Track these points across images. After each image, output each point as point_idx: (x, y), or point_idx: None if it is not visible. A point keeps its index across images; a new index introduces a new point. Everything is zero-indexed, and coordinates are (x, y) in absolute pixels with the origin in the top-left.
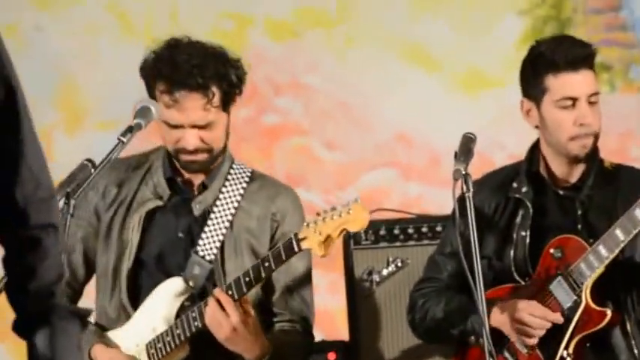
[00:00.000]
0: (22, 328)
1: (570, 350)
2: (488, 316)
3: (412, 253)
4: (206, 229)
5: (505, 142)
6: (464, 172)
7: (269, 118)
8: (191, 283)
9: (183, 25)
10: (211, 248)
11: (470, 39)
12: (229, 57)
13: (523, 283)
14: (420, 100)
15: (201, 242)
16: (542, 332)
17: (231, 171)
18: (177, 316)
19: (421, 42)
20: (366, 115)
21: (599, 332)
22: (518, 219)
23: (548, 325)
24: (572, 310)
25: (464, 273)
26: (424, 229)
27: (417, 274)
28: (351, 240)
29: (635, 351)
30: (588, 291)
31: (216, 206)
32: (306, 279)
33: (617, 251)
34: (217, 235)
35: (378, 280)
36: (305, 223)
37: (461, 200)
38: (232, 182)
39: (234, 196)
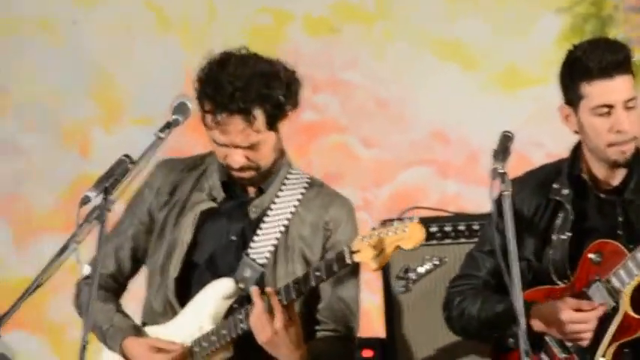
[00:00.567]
0: None
1: (607, 357)
2: (526, 317)
3: (449, 252)
4: (259, 232)
5: (543, 141)
6: (501, 171)
7: (306, 115)
8: (241, 285)
9: (221, 20)
10: (264, 252)
11: (508, 37)
12: (278, 75)
13: (561, 285)
14: (458, 97)
15: (253, 245)
16: (593, 326)
17: (289, 176)
18: (226, 317)
19: (459, 39)
20: (403, 112)
21: (639, 340)
22: (559, 221)
23: (595, 320)
24: (611, 316)
25: (501, 272)
26: (461, 228)
27: (453, 272)
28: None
29: None
30: (627, 298)
31: (271, 210)
32: (353, 288)
33: None
34: (271, 239)
35: (414, 278)
36: (360, 237)
37: (499, 199)
38: (289, 187)
39: (291, 201)
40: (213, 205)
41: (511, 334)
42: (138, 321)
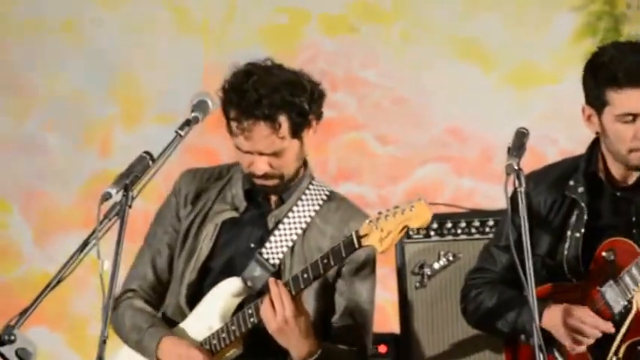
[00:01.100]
0: None
1: (620, 355)
2: (540, 314)
3: (464, 247)
4: (272, 237)
5: (557, 138)
6: (516, 167)
7: (324, 112)
8: (249, 283)
9: (239, 20)
10: (277, 253)
11: (523, 35)
12: (303, 84)
13: (575, 282)
14: (473, 95)
15: (267, 245)
16: (592, 340)
17: (310, 187)
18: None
19: (475, 38)
20: (419, 109)
21: None
22: (573, 219)
23: (599, 334)
24: (623, 315)
25: (516, 268)
26: (476, 224)
27: (468, 268)
28: None
29: None
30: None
31: (288, 217)
32: (368, 306)
33: None
34: (284, 241)
35: (429, 273)
36: (367, 220)
37: (514, 195)
38: (309, 198)
39: (308, 211)
40: (235, 214)
41: (522, 329)
42: None
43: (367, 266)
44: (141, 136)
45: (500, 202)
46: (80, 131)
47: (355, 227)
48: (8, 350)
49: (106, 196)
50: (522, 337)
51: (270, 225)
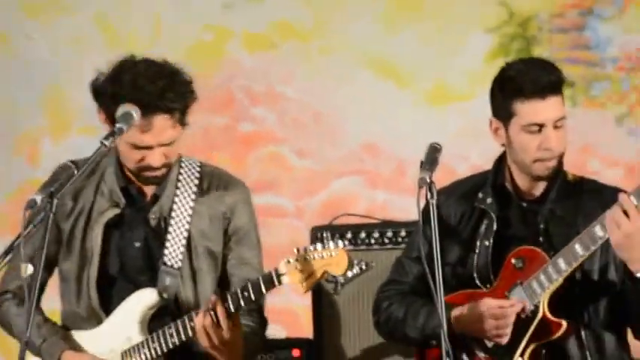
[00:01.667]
0: None
1: (526, 357)
2: (448, 320)
3: (376, 257)
4: (169, 237)
5: (468, 154)
6: (429, 180)
7: (244, 126)
8: (165, 295)
9: (166, 37)
10: (177, 255)
11: (438, 55)
12: (184, 75)
13: (484, 289)
14: (388, 111)
15: (166, 252)
16: (509, 325)
17: (182, 170)
18: (150, 324)
19: (391, 56)
20: (336, 125)
21: (556, 341)
22: (482, 229)
23: (512, 315)
24: (530, 319)
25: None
26: (389, 234)
27: (380, 276)
28: (317, 243)
29: None
30: (546, 302)
31: (174, 211)
32: (259, 273)
33: (575, 265)
34: (180, 241)
35: (342, 281)
36: (286, 260)
37: (426, 207)
38: (184, 185)
39: (188, 202)
40: (117, 211)
41: (431, 334)
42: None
43: (250, 234)
44: (68, 147)
45: (413, 214)
46: (10, 141)
47: (230, 202)
48: None
49: (32, 204)
50: (433, 342)
51: (153, 222)
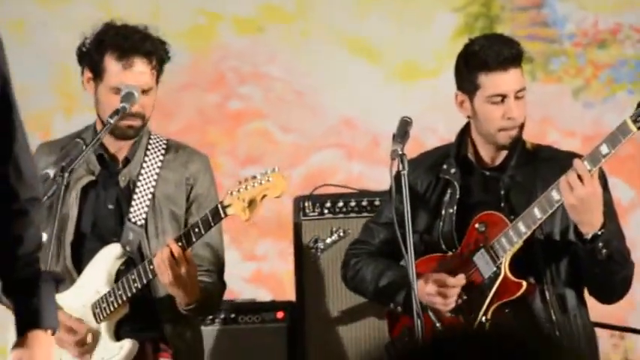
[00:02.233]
0: (12, 289)
1: (489, 316)
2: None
3: (353, 224)
4: (135, 196)
5: (436, 127)
6: (400, 152)
7: (233, 104)
8: (128, 248)
9: (163, 22)
10: (141, 214)
11: (408, 34)
12: (160, 38)
13: (450, 253)
14: (364, 88)
15: (132, 210)
16: (453, 296)
17: (150, 141)
18: (117, 277)
19: (365, 37)
20: (316, 101)
21: (522, 300)
22: (447, 197)
23: (456, 289)
24: (492, 280)
25: (396, 242)
26: (364, 203)
27: None
28: (299, 212)
29: (554, 318)
30: (507, 263)
31: (142, 175)
32: (218, 232)
33: (534, 228)
34: (144, 201)
35: (322, 247)
36: (229, 192)
37: (397, 177)
38: (152, 153)
39: (154, 168)
40: (92, 178)
41: (398, 303)
42: None
43: (210, 200)
44: (77, 123)
45: (386, 184)
46: (25, 119)
47: (193, 169)
48: None
49: (45, 177)
50: (398, 309)
51: (122, 184)
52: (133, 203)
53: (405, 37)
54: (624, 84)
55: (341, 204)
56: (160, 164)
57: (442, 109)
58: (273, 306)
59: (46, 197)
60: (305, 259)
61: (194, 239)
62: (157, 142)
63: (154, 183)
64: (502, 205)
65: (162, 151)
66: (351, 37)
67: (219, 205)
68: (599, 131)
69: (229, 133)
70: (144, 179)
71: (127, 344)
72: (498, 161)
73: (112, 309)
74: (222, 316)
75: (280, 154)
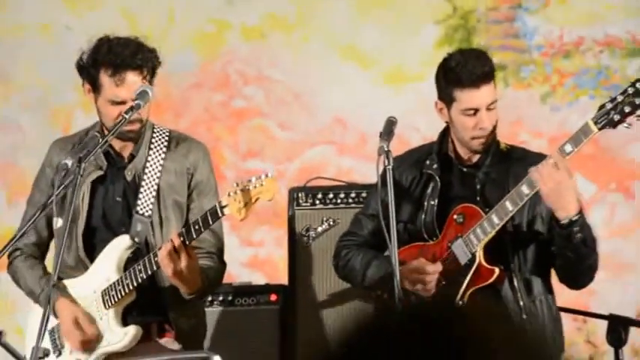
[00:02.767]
0: None
1: (465, 300)
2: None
3: (342, 214)
4: (142, 189)
5: (419, 127)
6: (386, 149)
7: (237, 103)
8: (136, 239)
9: (177, 28)
10: (148, 205)
11: (396, 42)
12: (149, 46)
13: (431, 242)
14: (355, 90)
15: (139, 202)
16: (432, 282)
17: (154, 135)
18: (126, 266)
19: (357, 43)
20: (312, 102)
21: (491, 286)
22: (429, 190)
23: (434, 275)
24: (468, 266)
25: (382, 232)
26: (352, 195)
27: (345, 231)
28: (294, 202)
29: (521, 303)
30: (481, 251)
31: (147, 168)
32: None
33: (506, 219)
34: (151, 193)
35: (313, 235)
36: (227, 193)
37: (383, 172)
38: (155, 147)
39: (158, 160)
40: (100, 173)
41: (384, 290)
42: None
43: (209, 187)
44: (96, 118)
45: (373, 178)
46: (48, 114)
47: (193, 159)
48: None
49: (63, 167)
50: (378, 291)
51: (129, 178)
52: (140, 196)
53: (393, 45)
54: (586, 90)
55: (331, 195)
56: (163, 156)
57: (425, 110)
58: (267, 289)
59: (62, 186)
60: (297, 245)
61: (194, 235)
62: (160, 133)
63: (158, 174)
64: (478, 198)
65: (165, 144)
66: (345, 44)
67: (217, 205)
68: (564, 132)
69: (233, 129)
70: (149, 172)
71: (132, 330)
72: (475, 159)
73: (120, 296)
74: (221, 298)
75: (278, 148)
